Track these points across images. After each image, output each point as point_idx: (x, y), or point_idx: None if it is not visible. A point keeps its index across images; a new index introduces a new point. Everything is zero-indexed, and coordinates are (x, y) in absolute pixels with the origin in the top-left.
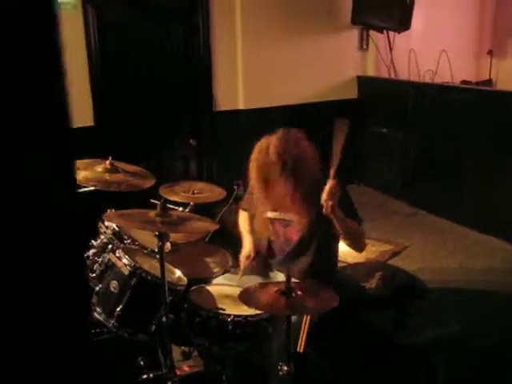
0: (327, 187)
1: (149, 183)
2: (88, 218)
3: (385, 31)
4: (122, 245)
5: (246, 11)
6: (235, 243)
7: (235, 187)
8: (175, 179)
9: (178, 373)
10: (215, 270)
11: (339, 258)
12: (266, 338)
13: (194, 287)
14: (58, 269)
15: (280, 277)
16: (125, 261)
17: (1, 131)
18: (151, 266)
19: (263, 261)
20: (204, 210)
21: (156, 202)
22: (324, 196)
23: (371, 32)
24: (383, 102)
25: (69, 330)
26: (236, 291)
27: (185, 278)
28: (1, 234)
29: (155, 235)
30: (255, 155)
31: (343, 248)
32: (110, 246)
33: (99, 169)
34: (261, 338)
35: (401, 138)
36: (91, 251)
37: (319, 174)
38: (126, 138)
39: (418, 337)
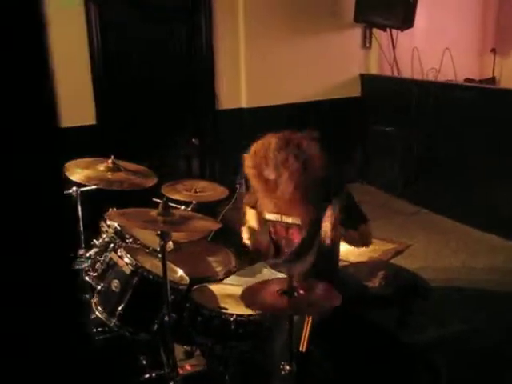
0: (328, 224)
1: (151, 182)
2: (87, 217)
3: (388, 29)
4: (123, 244)
5: (248, 10)
6: (237, 242)
7: (237, 186)
8: (177, 178)
9: (181, 372)
10: (217, 269)
11: (341, 257)
12: (268, 337)
13: (196, 286)
14: (44, 268)
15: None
16: (126, 260)
17: None
18: (153, 265)
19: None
20: (206, 208)
21: (158, 200)
22: (324, 228)
23: (374, 30)
24: (386, 100)
25: (55, 327)
26: (238, 290)
27: (187, 277)
28: None
29: (157, 234)
30: (254, 154)
31: (345, 247)
32: (111, 245)
33: (101, 168)
34: (263, 338)
35: (404, 137)
36: (93, 250)
37: (323, 172)
38: (129, 136)
39: (421, 335)
